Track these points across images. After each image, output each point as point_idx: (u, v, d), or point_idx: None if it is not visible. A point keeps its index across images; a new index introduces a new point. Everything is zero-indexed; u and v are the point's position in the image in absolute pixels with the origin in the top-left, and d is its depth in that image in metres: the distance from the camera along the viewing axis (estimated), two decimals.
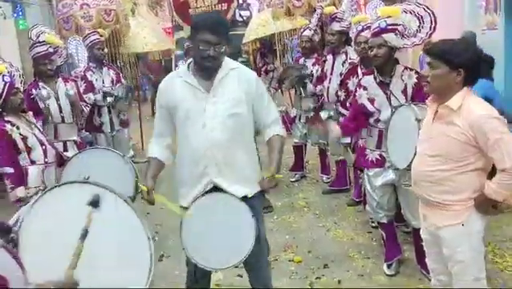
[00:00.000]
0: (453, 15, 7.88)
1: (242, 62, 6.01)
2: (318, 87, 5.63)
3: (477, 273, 2.60)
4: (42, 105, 4.67)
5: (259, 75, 6.63)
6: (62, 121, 4.79)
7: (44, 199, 2.05)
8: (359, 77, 4.17)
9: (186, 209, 2.70)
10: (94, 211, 2.00)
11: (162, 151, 2.82)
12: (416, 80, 3.53)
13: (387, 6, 4.14)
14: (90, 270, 1.89)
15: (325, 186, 5.99)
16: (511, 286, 3.55)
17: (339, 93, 4.93)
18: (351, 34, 5.15)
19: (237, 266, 2.85)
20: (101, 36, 6.20)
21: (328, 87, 5.39)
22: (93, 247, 1.93)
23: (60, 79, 4.93)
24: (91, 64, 6.09)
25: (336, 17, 5.32)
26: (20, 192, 3.43)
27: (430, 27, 3.50)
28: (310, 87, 5.81)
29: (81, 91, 5.39)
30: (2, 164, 3.50)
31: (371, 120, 3.71)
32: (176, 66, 9.56)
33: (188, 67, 2.73)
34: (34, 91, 4.70)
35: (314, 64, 5.87)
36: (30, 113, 3.81)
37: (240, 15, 13.79)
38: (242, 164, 2.72)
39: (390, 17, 3.48)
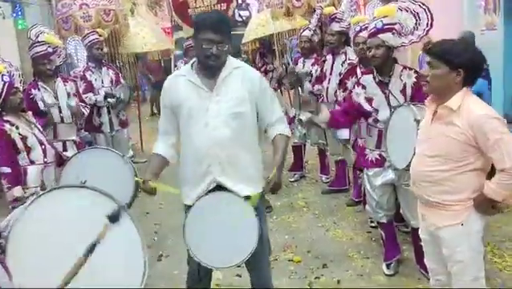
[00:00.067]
0: (452, 15, 7.87)
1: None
2: (316, 87, 5.63)
3: (476, 273, 2.60)
4: (42, 106, 4.67)
5: None
6: (62, 121, 4.78)
7: (39, 202, 2.01)
8: (359, 77, 4.17)
9: (190, 207, 2.70)
10: (111, 226, 1.96)
11: (167, 149, 2.82)
12: (415, 80, 3.53)
13: (384, 5, 4.14)
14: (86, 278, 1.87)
15: (324, 186, 5.99)
16: (510, 286, 3.56)
17: (338, 93, 4.93)
18: (351, 35, 5.16)
19: (239, 266, 2.85)
20: (100, 36, 6.20)
21: (327, 88, 5.40)
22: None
23: (59, 78, 4.93)
24: (90, 64, 6.09)
25: (336, 17, 5.33)
26: (17, 191, 3.43)
27: (427, 24, 3.49)
28: (307, 85, 5.80)
29: (80, 91, 5.39)
30: (0, 164, 3.49)
31: (370, 120, 3.71)
32: (175, 66, 9.55)
33: (191, 66, 2.73)
34: (33, 91, 4.70)
35: (313, 64, 5.88)
36: (30, 113, 3.81)
37: (239, 15, 13.79)
38: (245, 164, 2.71)
39: (386, 16, 3.48)
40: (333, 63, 5.38)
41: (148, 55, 8.85)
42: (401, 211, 3.76)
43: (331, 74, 5.37)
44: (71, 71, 6.91)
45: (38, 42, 4.89)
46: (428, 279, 2.98)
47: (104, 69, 6.15)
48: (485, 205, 2.53)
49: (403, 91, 3.55)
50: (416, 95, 3.45)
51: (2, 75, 3.55)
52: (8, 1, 7.16)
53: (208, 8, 8.20)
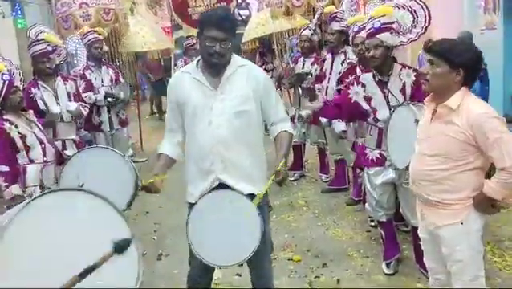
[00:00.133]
0: (451, 15, 7.88)
1: None
2: (316, 86, 5.63)
3: (475, 272, 2.60)
4: (42, 106, 4.67)
5: None
6: (61, 120, 4.78)
7: (33, 206, 1.91)
8: (358, 74, 4.17)
9: (193, 205, 2.69)
10: (113, 255, 1.90)
11: (172, 147, 2.81)
12: (414, 78, 3.52)
13: (382, 4, 4.13)
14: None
15: (324, 185, 5.99)
16: (510, 285, 3.56)
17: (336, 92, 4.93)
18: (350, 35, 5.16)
19: (241, 264, 2.84)
20: (99, 35, 6.21)
21: (327, 87, 5.39)
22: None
23: (59, 78, 4.93)
24: (89, 63, 6.09)
25: (336, 16, 5.33)
26: (15, 189, 3.42)
27: (425, 20, 3.47)
28: (307, 82, 5.80)
29: (80, 90, 5.39)
30: None
31: (370, 119, 3.71)
32: (175, 65, 9.54)
33: (196, 64, 2.73)
34: (33, 89, 4.71)
35: (313, 64, 5.88)
36: (31, 111, 3.80)
37: (239, 14, 13.76)
38: (249, 163, 2.70)
39: (383, 16, 3.47)
40: (333, 62, 5.37)
41: (147, 54, 8.85)
42: (401, 210, 3.76)
43: (330, 73, 5.37)
44: (71, 70, 6.92)
45: (38, 40, 4.89)
46: (428, 278, 2.98)
47: (104, 68, 6.16)
48: (485, 204, 2.53)
49: (402, 91, 3.55)
50: (416, 94, 3.45)
51: (2, 74, 3.55)
52: (7, 0, 7.15)
53: (207, 7, 8.20)
